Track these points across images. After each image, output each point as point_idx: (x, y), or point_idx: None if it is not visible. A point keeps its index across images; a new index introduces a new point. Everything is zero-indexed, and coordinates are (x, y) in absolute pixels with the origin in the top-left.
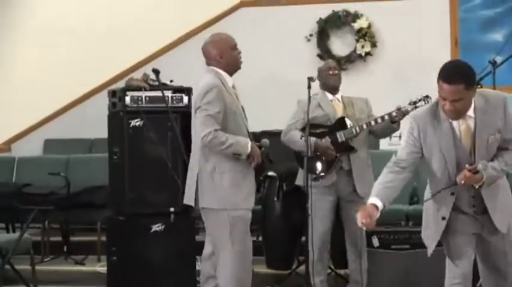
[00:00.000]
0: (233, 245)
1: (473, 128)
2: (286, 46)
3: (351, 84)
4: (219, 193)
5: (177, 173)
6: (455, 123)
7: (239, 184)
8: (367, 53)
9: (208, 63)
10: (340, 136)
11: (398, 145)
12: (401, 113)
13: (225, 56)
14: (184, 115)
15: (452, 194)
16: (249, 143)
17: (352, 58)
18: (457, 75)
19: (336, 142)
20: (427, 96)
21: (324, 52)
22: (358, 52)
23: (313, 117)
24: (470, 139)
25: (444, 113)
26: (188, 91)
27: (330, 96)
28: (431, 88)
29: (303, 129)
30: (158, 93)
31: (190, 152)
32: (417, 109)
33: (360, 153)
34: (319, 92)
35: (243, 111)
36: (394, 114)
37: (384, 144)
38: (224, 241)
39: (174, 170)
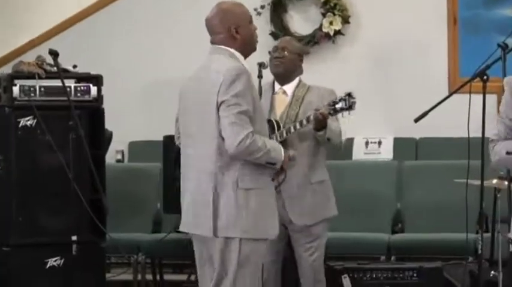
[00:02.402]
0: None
1: None
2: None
3: (315, 72)
4: (243, 217)
5: (83, 190)
6: None
7: (267, 205)
8: (337, 32)
9: (215, 41)
10: None
11: (377, 153)
12: (318, 116)
13: (242, 31)
14: (92, 112)
15: None
16: (282, 149)
17: (317, 38)
18: None
19: None
20: (349, 95)
21: (279, 29)
22: (324, 30)
23: None
24: None
25: None
26: (97, 80)
27: (277, 87)
28: (423, 78)
29: None
30: (57, 83)
31: (100, 160)
32: None
33: (295, 169)
34: (271, 79)
35: None
36: (311, 117)
37: (359, 153)
38: (227, 279)
39: (78, 185)
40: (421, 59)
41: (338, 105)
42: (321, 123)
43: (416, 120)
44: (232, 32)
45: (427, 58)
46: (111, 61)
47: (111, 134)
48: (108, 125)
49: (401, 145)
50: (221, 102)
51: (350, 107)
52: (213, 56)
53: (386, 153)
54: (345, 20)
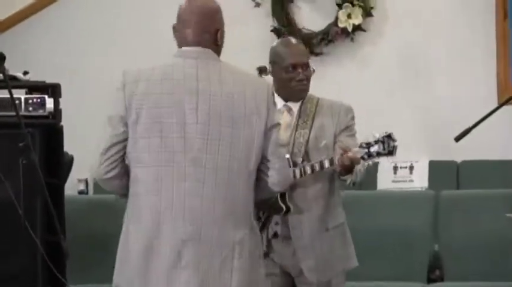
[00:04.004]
0: None
1: None
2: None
3: (329, 78)
4: (260, 276)
5: (36, 229)
6: None
7: None
8: (357, 27)
9: (200, 43)
10: None
11: (408, 180)
12: (346, 162)
13: (221, 39)
14: (48, 130)
15: None
16: None
17: (332, 35)
18: None
19: None
20: (389, 137)
21: (283, 24)
22: (341, 25)
23: None
24: None
25: None
26: (55, 90)
27: (279, 102)
28: (466, 86)
29: None
30: (4, 94)
31: (58, 192)
32: None
33: (309, 211)
34: None
35: None
36: (335, 161)
37: (386, 181)
38: None
39: (29, 223)
40: (462, 62)
41: (373, 149)
42: (349, 169)
43: (458, 139)
44: (218, 36)
45: (470, 61)
46: (72, 66)
47: (71, 158)
48: (68, 147)
49: (438, 170)
50: (271, 126)
51: (390, 153)
52: (213, 63)
53: (420, 181)
54: (367, 13)
